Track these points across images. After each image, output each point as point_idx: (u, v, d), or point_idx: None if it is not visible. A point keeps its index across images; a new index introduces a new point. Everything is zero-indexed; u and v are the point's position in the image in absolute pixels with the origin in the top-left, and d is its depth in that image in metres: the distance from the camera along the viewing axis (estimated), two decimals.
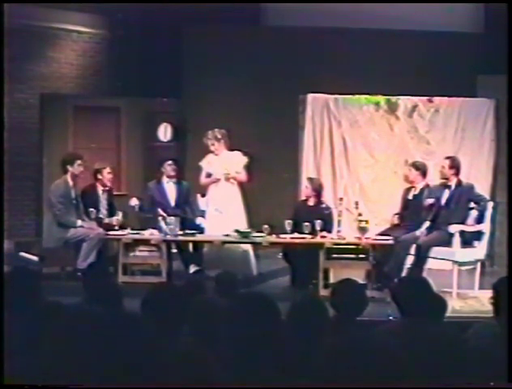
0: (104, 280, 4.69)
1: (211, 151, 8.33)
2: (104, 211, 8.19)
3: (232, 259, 8.10)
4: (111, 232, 7.83)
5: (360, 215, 7.82)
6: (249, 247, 8.20)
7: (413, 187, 7.96)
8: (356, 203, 8.11)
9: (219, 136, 8.26)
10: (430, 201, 7.63)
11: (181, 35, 9.82)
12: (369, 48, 9.46)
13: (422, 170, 7.88)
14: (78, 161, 7.91)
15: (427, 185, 7.87)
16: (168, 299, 3.37)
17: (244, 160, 8.30)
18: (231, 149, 8.33)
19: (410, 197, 7.94)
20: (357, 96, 9.25)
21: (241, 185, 8.29)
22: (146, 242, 7.82)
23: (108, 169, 8.19)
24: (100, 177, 8.17)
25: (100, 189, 8.22)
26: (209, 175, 8.34)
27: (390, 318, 5.11)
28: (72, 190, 7.91)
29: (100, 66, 10.19)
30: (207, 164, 8.34)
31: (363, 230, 7.59)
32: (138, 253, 7.89)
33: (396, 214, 8.00)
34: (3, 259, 7.31)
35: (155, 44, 9.72)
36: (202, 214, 8.33)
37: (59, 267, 7.84)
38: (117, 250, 7.77)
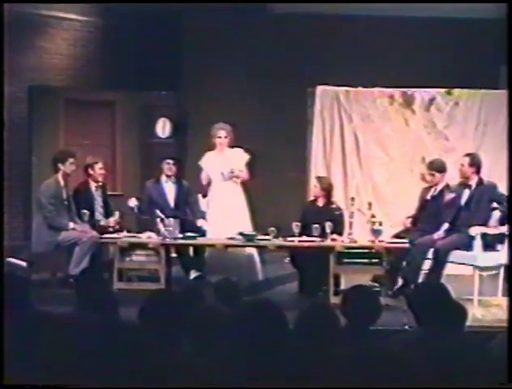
0: (98, 287, 4.69)
1: (212, 149, 8.33)
2: (98, 212, 8.20)
3: (236, 264, 8.10)
4: (106, 236, 7.84)
5: (373, 216, 7.81)
6: (254, 251, 8.20)
7: (431, 187, 7.95)
8: (369, 204, 8.11)
9: (227, 132, 8.25)
10: (449, 202, 7.62)
11: (180, 23, 9.83)
12: (382, 36, 9.46)
13: (441, 169, 7.87)
14: (70, 159, 7.92)
15: (446, 185, 7.85)
16: (166, 307, 3.37)
17: (245, 157, 8.30)
18: (232, 146, 8.33)
19: (428, 197, 7.94)
20: (370, 88, 9.24)
21: (244, 184, 8.29)
22: (143, 246, 7.83)
23: (100, 164, 8.19)
24: (91, 172, 8.17)
25: (92, 186, 8.22)
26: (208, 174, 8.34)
27: (406, 327, 5.11)
28: (64, 190, 7.92)
29: (93, 56, 10.19)
30: (208, 162, 8.34)
31: (376, 233, 7.58)
32: (134, 257, 7.90)
33: (412, 215, 8.00)
34: (3, 260, 7.34)
35: (152, 32, 9.73)
36: (204, 215, 8.34)
37: (50, 273, 7.85)
38: (113, 254, 7.78)
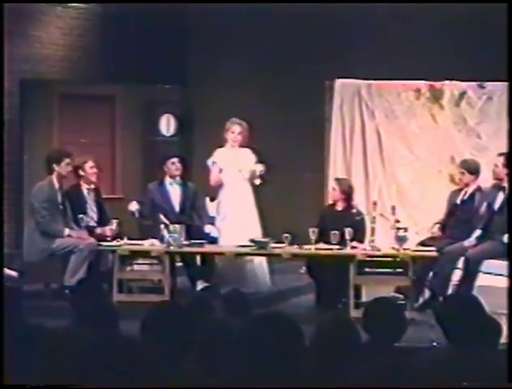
0: (95, 299, 4.71)
1: (222, 145, 8.34)
2: (92, 216, 8.20)
3: (248, 275, 8.11)
4: (104, 243, 7.85)
5: (397, 222, 7.81)
6: (266, 260, 8.20)
7: (461, 189, 7.93)
8: (393, 208, 8.11)
9: (242, 128, 8.26)
10: (482, 206, 7.60)
11: (186, 11, 9.85)
12: (407, 24, 9.42)
13: (473, 169, 7.85)
14: (66, 159, 7.93)
15: (478, 188, 7.83)
16: (171, 321, 3.38)
17: (253, 158, 8.30)
18: (243, 145, 8.36)
19: (458, 201, 7.91)
20: (394, 81, 9.23)
21: (255, 187, 8.31)
22: (145, 254, 7.84)
23: (90, 163, 8.15)
24: (82, 173, 8.15)
25: (84, 189, 8.21)
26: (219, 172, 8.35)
27: (434, 344, 5.10)
28: (58, 193, 7.94)
29: (91, 46, 10.22)
30: (220, 159, 8.33)
31: (401, 240, 7.57)
32: (136, 267, 7.91)
33: (441, 221, 7.98)
34: (3, 261, 7.37)
35: (156, 21, 9.75)
36: (212, 221, 8.35)
37: (43, 283, 7.87)
38: (112, 263, 7.80)
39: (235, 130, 8.26)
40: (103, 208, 8.31)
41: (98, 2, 9.62)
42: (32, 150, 9.46)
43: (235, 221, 8.17)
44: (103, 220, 8.18)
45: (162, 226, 7.85)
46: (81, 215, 7.93)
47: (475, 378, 2.77)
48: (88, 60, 10.14)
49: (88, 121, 9.90)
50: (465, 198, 7.88)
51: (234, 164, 8.30)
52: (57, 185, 7.93)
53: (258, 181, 8.23)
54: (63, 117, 9.78)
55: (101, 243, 7.82)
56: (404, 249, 7.54)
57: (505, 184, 7.60)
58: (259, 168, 8.21)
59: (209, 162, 8.41)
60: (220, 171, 8.34)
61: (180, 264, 8.15)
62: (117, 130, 10.04)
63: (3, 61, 8.17)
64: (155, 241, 7.83)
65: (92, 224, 8.14)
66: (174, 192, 8.45)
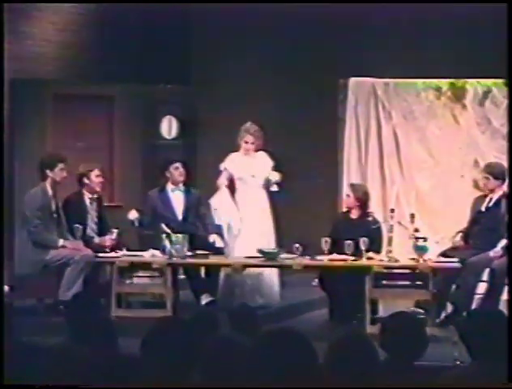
0: (93, 315, 4.71)
1: (236, 150, 8.36)
2: (91, 229, 8.22)
3: (256, 288, 8.12)
4: (102, 254, 7.86)
5: (416, 230, 7.80)
6: (276, 272, 8.20)
7: (486, 196, 7.91)
8: (412, 216, 8.10)
9: (255, 138, 8.29)
10: (508, 213, 7.59)
11: (190, 6, 9.86)
12: (426, 18, 9.41)
13: (499, 174, 7.83)
14: (60, 165, 7.95)
15: (504, 194, 7.81)
16: (174, 338, 3.38)
17: (270, 163, 8.33)
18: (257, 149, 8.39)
19: (482, 208, 7.90)
20: (413, 79, 9.23)
21: (270, 194, 8.33)
22: (146, 266, 7.85)
23: (96, 172, 8.22)
24: (86, 181, 8.19)
25: (87, 199, 8.25)
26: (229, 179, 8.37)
27: (457, 362, 5.09)
28: (52, 200, 7.96)
29: (88, 44, 10.24)
30: (233, 165, 8.34)
31: (420, 250, 7.56)
32: (136, 280, 7.92)
33: (463, 229, 7.96)
34: (3, 263, 7.39)
35: (158, 17, 9.76)
36: (217, 230, 8.35)
37: (36, 298, 7.87)
38: (110, 276, 7.80)
39: (248, 141, 8.30)
40: (104, 219, 8.33)
41: (98, 2, 9.64)
42: (24, 155, 9.46)
43: (246, 230, 8.18)
44: (103, 231, 8.19)
45: (164, 236, 7.87)
46: (77, 225, 7.94)
47: None
48: (85, 58, 10.15)
49: (85, 124, 9.91)
50: (490, 205, 7.86)
51: (247, 170, 8.31)
52: (50, 192, 7.94)
53: (273, 188, 8.25)
54: (57, 119, 9.79)
55: (98, 254, 7.83)
56: (424, 260, 7.54)
57: None
58: (274, 177, 8.24)
59: (221, 167, 8.44)
60: (230, 177, 8.36)
61: (183, 277, 8.16)
62: (115, 132, 10.04)
63: (3, 60, 8.20)
64: (157, 252, 7.84)
65: (92, 235, 8.16)
66: (177, 199, 8.47)
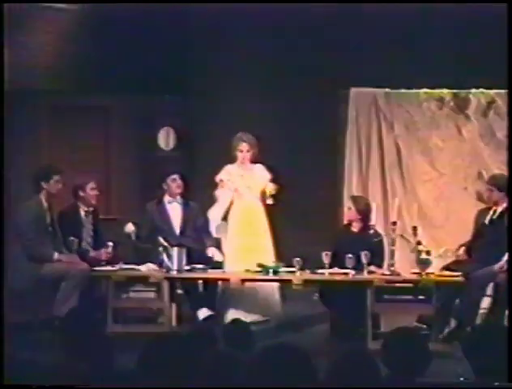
0: (89, 331, 4.70)
1: (232, 161, 8.38)
2: (88, 241, 8.23)
3: (255, 302, 8.11)
4: (98, 268, 7.86)
5: (419, 243, 7.80)
6: (276, 286, 8.20)
7: (490, 208, 7.92)
8: (414, 229, 8.10)
9: (250, 145, 8.32)
10: None
11: (187, 13, 9.87)
12: (429, 26, 9.42)
13: (503, 186, 7.84)
14: (56, 177, 7.95)
15: (509, 207, 7.82)
16: (172, 354, 3.38)
17: (267, 176, 8.36)
18: (254, 161, 8.40)
19: (486, 221, 7.90)
20: (415, 89, 9.24)
21: (266, 207, 8.34)
22: (143, 280, 7.84)
23: (92, 184, 8.24)
24: (82, 194, 8.21)
25: (82, 211, 8.26)
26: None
27: (461, 379, 5.08)
28: (47, 213, 7.96)
29: (84, 53, 10.25)
30: (229, 177, 8.36)
31: (423, 264, 7.57)
32: (132, 294, 7.91)
33: (467, 243, 7.97)
34: (3, 262, 7.39)
35: (156, 28, 9.77)
36: (216, 243, 8.36)
37: (30, 314, 7.86)
38: (106, 290, 7.80)
39: (243, 149, 8.33)
40: (100, 232, 8.34)
41: (98, 3, 9.65)
42: (18, 166, 9.46)
43: (243, 243, 8.19)
44: (99, 245, 8.20)
45: (161, 249, 7.86)
46: (72, 238, 7.93)
47: None
48: (81, 68, 10.15)
49: (80, 135, 9.91)
50: (494, 217, 7.86)
51: (244, 182, 8.33)
52: (45, 204, 7.94)
53: (269, 201, 8.26)
54: (53, 130, 9.81)
55: (94, 268, 7.83)
56: (427, 273, 7.54)
57: None
58: (270, 188, 8.24)
59: (217, 179, 8.45)
60: (227, 189, 8.37)
61: (180, 291, 8.15)
62: (111, 144, 10.05)
63: (3, 65, 8.21)
64: (154, 266, 7.84)
65: (88, 248, 8.17)
66: (174, 212, 8.48)
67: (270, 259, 8.04)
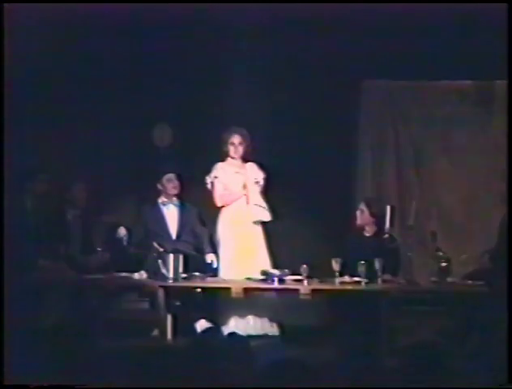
0: (78, 344, 4.72)
1: (223, 159, 8.42)
2: (76, 246, 8.25)
3: (258, 313, 8.13)
4: (87, 276, 7.86)
5: (438, 250, 7.81)
6: (280, 295, 8.21)
7: None
8: (433, 234, 8.11)
9: (242, 137, 8.41)
10: None
11: (190, 8, 9.86)
12: (447, 13, 9.41)
13: None
14: (41, 176, 7.97)
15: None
16: (167, 370, 3.38)
17: (260, 175, 8.42)
18: (247, 159, 8.45)
19: None
20: (434, 81, 9.24)
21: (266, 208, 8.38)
22: (136, 289, 7.84)
23: (80, 185, 8.26)
24: (68, 197, 8.24)
25: (70, 215, 8.28)
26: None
27: None
28: (31, 216, 7.97)
29: (76, 47, 10.26)
30: (223, 175, 8.41)
31: (443, 272, 7.57)
32: (125, 305, 7.92)
33: (491, 249, 7.97)
34: (3, 262, 7.43)
35: (152, 18, 9.78)
36: (215, 249, 8.37)
37: (13, 325, 7.87)
38: (96, 301, 7.80)
39: (234, 141, 8.46)
40: (89, 237, 8.34)
41: (98, 3, 9.67)
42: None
43: (243, 249, 8.22)
44: (88, 251, 8.21)
45: (156, 255, 7.88)
46: (58, 244, 7.95)
47: None
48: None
49: (67, 131, 9.91)
50: None
51: (237, 181, 8.37)
52: (29, 206, 7.96)
53: (263, 218, 8.29)
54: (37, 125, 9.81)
55: (83, 277, 7.84)
56: (447, 283, 7.53)
57: None
58: (256, 180, 8.31)
59: (209, 179, 8.49)
60: (225, 187, 8.42)
61: (178, 302, 8.16)
62: (101, 141, 10.04)
63: (4, 61, 8.25)
64: (148, 274, 7.84)
65: (76, 254, 8.18)
66: (170, 215, 8.51)
67: (273, 267, 8.07)
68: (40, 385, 2.41)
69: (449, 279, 7.61)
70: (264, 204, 8.48)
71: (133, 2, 9.09)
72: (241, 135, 8.51)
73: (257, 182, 8.50)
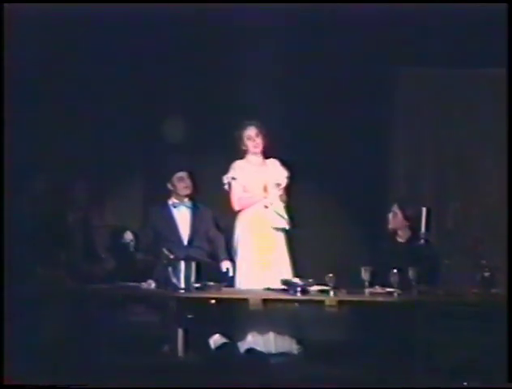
0: (82, 361, 4.82)
1: (244, 156, 8.49)
2: (78, 253, 8.30)
3: (278, 327, 8.16)
4: (89, 286, 7.94)
5: (481, 258, 7.82)
6: (304, 307, 8.26)
7: None
8: (476, 240, 8.12)
9: (257, 129, 8.45)
10: None
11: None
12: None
13: None
14: (40, 175, 8.03)
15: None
16: (179, 387, 3.48)
17: (284, 173, 8.46)
18: (266, 155, 8.51)
19: None
20: (477, 68, 9.27)
21: (289, 211, 8.44)
22: (144, 300, 7.92)
23: (80, 184, 8.30)
24: (68, 197, 8.28)
25: (70, 216, 8.32)
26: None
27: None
28: (28, 219, 8.03)
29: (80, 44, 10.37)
30: (242, 174, 8.47)
31: (487, 282, 7.58)
32: (132, 317, 7.99)
33: None
34: (3, 261, 7.52)
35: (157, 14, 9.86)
36: (231, 256, 8.43)
37: (11, 339, 7.95)
38: (101, 312, 7.87)
39: (251, 135, 8.45)
40: (92, 243, 8.41)
41: (98, 3, 9.79)
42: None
43: (262, 257, 8.26)
44: (90, 258, 8.27)
45: (165, 263, 7.94)
46: (59, 250, 8.00)
47: None
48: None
49: (68, 125, 10.00)
50: None
51: (258, 182, 8.42)
52: (27, 208, 8.02)
53: (283, 225, 8.35)
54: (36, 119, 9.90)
55: (86, 286, 7.91)
56: (491, 294, 7.57)
57: None
58: (278, 182, 8.36)
59: (226, 179, 8.53)
60: (244, 189, 8.46)
61: (190, 314, 8.22)
62: (106, 136, 10.10)
63: (4, 61, 8.38)
64: (157, 284, 7.92)
65: (78, 262, 8.25)
66: (181, 218, 8.55)
67: (291, 275, 8.12)
68: (41, 385, 2.53)
69: (493, 291, 7.62)
70: (283, 212, 8.48)
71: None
72: (256, 127, 8.52)
73: (278, 185, 8.50)
